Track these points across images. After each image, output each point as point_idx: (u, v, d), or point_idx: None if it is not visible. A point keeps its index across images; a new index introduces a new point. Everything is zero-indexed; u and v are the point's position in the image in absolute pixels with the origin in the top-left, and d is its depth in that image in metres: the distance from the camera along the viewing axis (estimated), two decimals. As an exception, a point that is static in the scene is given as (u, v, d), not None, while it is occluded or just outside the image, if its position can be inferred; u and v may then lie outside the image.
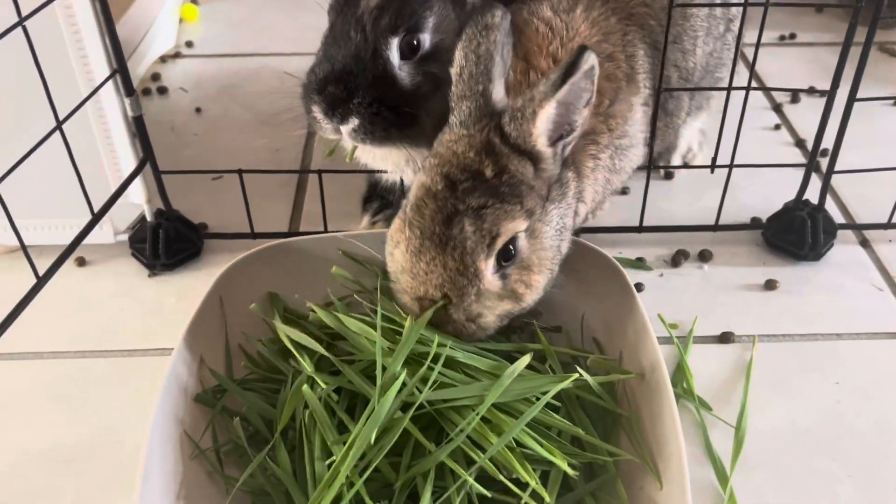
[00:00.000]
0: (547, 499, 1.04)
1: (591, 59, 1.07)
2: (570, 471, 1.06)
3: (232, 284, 1.30)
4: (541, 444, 1.07)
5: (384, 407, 1.03)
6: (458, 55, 1.14)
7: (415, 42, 1.25)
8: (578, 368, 1.17)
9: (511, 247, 1.14)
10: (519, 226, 1.13)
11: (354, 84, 1.22)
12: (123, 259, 1.60)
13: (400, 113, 1.25)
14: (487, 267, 1.13)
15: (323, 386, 1.11)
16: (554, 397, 1.11)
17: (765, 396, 1.31)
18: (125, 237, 1.59)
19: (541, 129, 1.13)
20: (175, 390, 1.15)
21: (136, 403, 1.32)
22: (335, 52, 1.25)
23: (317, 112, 1.26)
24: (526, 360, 1.11)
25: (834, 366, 1.36)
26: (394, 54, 1.25)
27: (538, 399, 1.09)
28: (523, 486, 1.04)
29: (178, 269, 1.58)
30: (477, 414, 1.04)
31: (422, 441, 1.06)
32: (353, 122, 1.24)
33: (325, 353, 1.15)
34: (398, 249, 1.17)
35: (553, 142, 1.15)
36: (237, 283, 1.31)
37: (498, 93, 1.17)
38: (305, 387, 1.10)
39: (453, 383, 1.10)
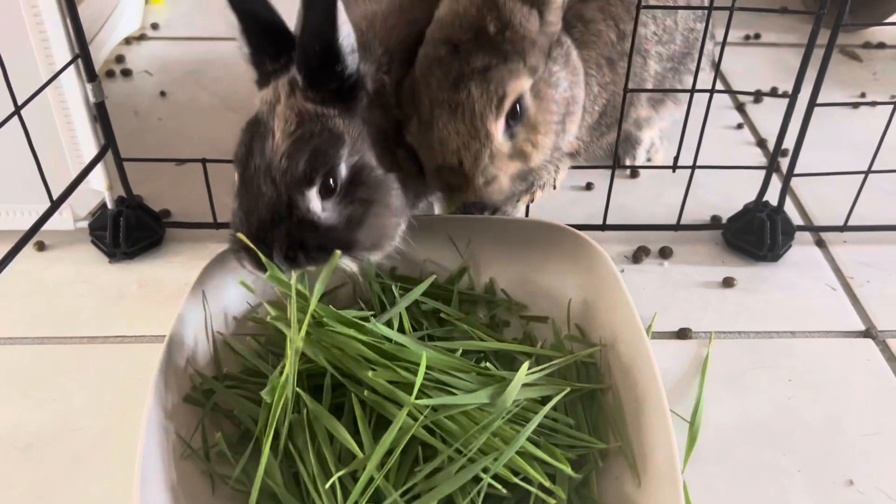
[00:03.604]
0: (562, 495, 1.06)
1: None
2: (572, 474, 1.09)
3: (215, 278, 1.30)
4: (539, 446, 1.10)
5: (397, 426, 1.04)
6: None
7: (331, 181, 1.16)
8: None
9: (518, 106, 1.16)
10: (524, 84, 1.15)
11: (273, 238, 1.14)
12: (83, 245, 1.58)
13: (328, 249, 1.16)
14: (498, 128, 1.15)
15: (308, 401, 1.10)
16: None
17: (719, 392, 1.34)
18: (85, 224, 1.58)
19: None
20: (163, 391, 1.13)
21: (96, 391, 1.30)
22: (249, 206, 1.16)
23: (249, 268, 1.18)
24: (524, 370, 1.12)
25: (787, 363, 1.39)
26: (313, 202, 1.15)
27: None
28: (524, 489, 1.07)
29: (138, 257, 1.57)
30: (487, 425, 1.06)
31: (438, 446, 1.07)
32: (289, 272, 1.16)
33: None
34: (412, 123, 1.18)
35: None
36: (221, 276, 1.30)
37: None
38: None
39: (451, 390, 1.11)
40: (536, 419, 1.09)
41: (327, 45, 1.14)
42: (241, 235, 1.14)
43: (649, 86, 1.54)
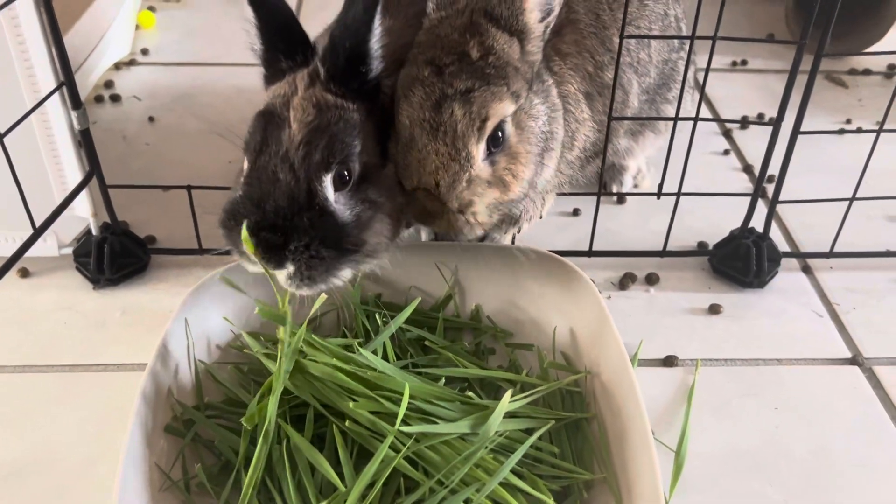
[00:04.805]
0: None
1: None
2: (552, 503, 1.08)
3: (198, 306, 1.29)
4: (522, 477, 1.09)
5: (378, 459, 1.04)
6: None
7: (345, 172, 1.16)
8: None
9: (499, 133, 1.16)
10: (507, 108, 1.15)
11: (291, 227, 1.11)
12: (68, 272, 1.57)
13: (342, 248, 1.15)
14: (479, 151, 1.15)
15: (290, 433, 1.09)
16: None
17: (705, 420, 1.33)
18: (70, 250, 1.56)
19: (533, 3, 1.16)
20: (144, 421, 1.12)
21: (78, 420, 1.29)
22: (262, 194, 1.12)
23: (244, 253, 1.13)
24: (507, 398, 1.11)
25: (774, 391, 1.39)
26: (329, 190, 1.14)
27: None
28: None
29: (122, 284, 1.56)
30: (470, 455, 1.06)
31: (419, 479, 1.06)
32: (289, 268, 1.12)
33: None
34: (391, 144, 1.19)
35: (541, 19, 1.18)
36: (204, 303, 1.30)
37: None
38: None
39: (431, 419, 1.10)
40: (520, 451, 1.09)
41: (358, 43, 1.16)
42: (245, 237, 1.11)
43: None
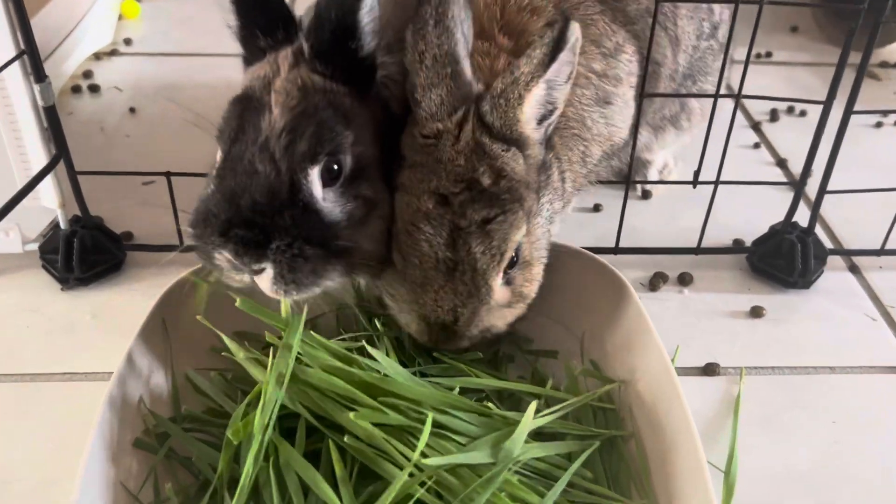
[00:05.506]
0: None
1: (576, 32, 0.97)
2: None
3: (177, 304, 1.15)
4: None
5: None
6: (412, 40, 1.01)
7: (335, 166, 1.02)
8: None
9: (515, 255, 1.05)
10: (523, 231, 1.04)
11: (270, 225, 0.96)
12: (33, 271, 1.43)
13: (330, 248, 1.00)
14: (498, 282, 1.04)
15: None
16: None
17: (754, 436, 1.18)
18: (35, 246, 1.42)
19: (529, 114, 1.02)
20: (109, 434, 0.98)
21: (37, 436, 1.15)
22: (237, 187, 0.98)
23: (221, 260, 0.99)
24: (532, 410, 0.97)
25: (828, 402, 1.24)
26: (315, 185, 1.00)
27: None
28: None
29: (94, 284, 1.41)
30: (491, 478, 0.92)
31: None
32: (269, 272, 0.98)
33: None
34: (395, 277, 1.07)
35: (539, 124, 1.06)
36: (183, 302, 1.15)
37: (467, 73, 1.04)
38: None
39: (450, 436, 0.96)
40: (561, 483, 0.95)
41: (345, 15, 1.02)
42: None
43: (653, 110, 1.42)
